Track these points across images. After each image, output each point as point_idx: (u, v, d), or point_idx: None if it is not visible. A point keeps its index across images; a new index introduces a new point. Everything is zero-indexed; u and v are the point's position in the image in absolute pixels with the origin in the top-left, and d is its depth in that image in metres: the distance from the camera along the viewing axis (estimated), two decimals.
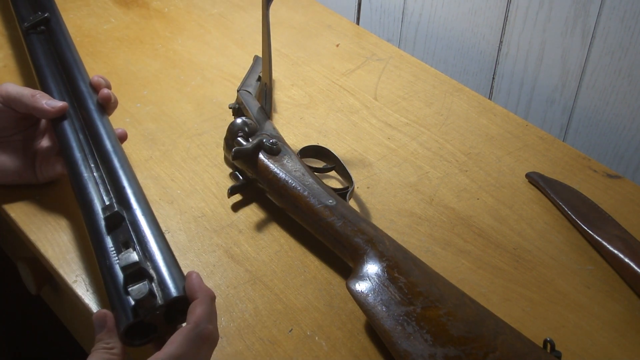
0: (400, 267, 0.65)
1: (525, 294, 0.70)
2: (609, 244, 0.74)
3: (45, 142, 0.77)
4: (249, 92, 0.88)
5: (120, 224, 0.62)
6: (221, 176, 0.82)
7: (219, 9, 1.13)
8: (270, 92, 0.85)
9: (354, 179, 0.78)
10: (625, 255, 0.72)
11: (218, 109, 0.92)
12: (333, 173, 0.82)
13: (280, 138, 0.80)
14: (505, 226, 0.78)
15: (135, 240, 0.61)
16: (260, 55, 0.90)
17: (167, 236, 0.70)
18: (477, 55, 1.10)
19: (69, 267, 0.70)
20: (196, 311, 0.55)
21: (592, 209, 0.79)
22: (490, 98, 1.11)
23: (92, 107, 0.75)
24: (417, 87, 0.99)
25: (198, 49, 1.04)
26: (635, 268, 0.71)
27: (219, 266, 0.71)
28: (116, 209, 0.62)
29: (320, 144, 0.84)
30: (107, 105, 0.76)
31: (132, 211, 0.63)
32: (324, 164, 0.82)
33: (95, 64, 0.98)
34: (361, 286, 0.64)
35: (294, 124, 0.91)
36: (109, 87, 0.78)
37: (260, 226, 0.76)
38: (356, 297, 0.63)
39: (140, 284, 0.56)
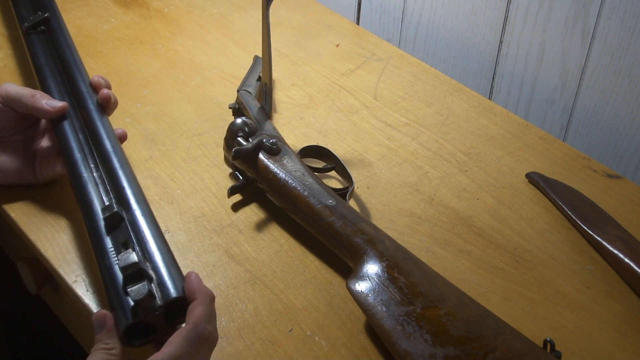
0: (400, 267, 0.65)
1: (525, 294, 0.70)
2: (609, 244, 0.74)
3: (45, 142, 0.77)
4: (249, 92, 0.88)
5: (120, 224, 0.62)
6: (221, 176, 0.82)
7: (219, 9, 1.13)
8: (270, 92, 0.85)
9: (354, 179, 0.78)
10: (625, 255, 0.72)
11: (218, 109, 0.92)
12: (333, 173, 0.82)
13: (280, 138, 0.80)
14: (505, 226, 0.78)
15: (134, 240, 0.61)
16: (260, 55, 0.90)
17: (167, 236, 0.70)
18: (477, 55, 1.10)
19: (69, 267, 0.70)
20: (195, 312, 0.55)
21: (592, 209, 0.79)
22: (490, 98, 1.11)
23: (92, 107, 0.75)
24: (417, 87, 0.99)
25: (198, 49, 1.04)
26: (635, 268, 0.71)
27: (219, 266, 0.71)
28: (116, 209, 0.62)
29: (320, 144, 0.84)
30: (107, 106, 0.76)
31: (131, 211, 0.63)
32: (324, 164, 0.82)
33: (95, 64, 0.98)
34: (361, 286, 0.64)
35: (294, 124, 0.91)
36: (109, 87, 0.78)
37: (260, 226, 0.76)
38: (356, 297, 0.63)
39: (140, 284, 0.56)
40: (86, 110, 0.74)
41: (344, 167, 0.80)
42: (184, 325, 0.56)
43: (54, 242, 0.72)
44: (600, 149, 1.00)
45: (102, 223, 0.62)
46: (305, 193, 0.72)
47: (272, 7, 0.80)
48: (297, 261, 0.72)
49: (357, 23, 1.25)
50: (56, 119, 0.73)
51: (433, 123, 0.92)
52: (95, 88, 0.77)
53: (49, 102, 0.73)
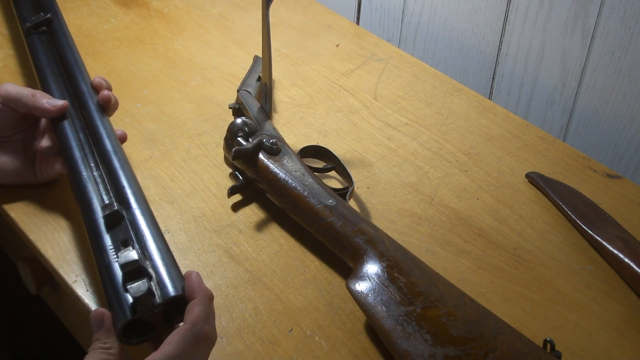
0: (400, 267, 0.65)
1: (525, 294, 0.70)
2: (609, 244, 0.74)
3: (45, 142, 0.77)
4: (249, 92, 0.88)
5: (120, 222, 0.62)
6: (221, 176, 0.82)
7: (219, 9, 1.13)
8: (270, 92, 0.85)
9: (354, 179, 0.78)
10: (625, 255, 0.72)
11: (218, 109, 0.92)
12: (333, 173, 0.82)
13: (280, 138, 0.80)
14: (505, 226, 0.78)
15: (134, 239, 0.61)
16: (260, 55, 0.90)
17: (167, 236, 0.70)
18: (477, 55, 1.10)
19: (69, 267, 0.70)
20: (194, 311, 0.55)
21: (592, 209, 0.79)
22: (490, 98, 1.11)
23: (93, 107, 0.75)
24: (417, 87, 0.99)
25: (198, 49, 1.04)
26: (635, 268, 0.71)
27: (219, 266, 0.71)
28: (116, 208, 0.62)
29: (320, 144, 0.84)
30: (107, 107, 0.76)
31: (131, 210, 0.63)
32: (324, 164, 0.82)
33: (95, 64, 0.98)
34: (361, 286, 0.64)
35: (294, 124, 0.91)
36: (109, 88, 0.78)
37: (260, 226, 0.76)
38: (356, 297, 0.63)
39: (140, 281, 0.56)
40: (87, 111, 0.74)
41: (344, 167, 0.80)
42: (182, 324, 0.56)
43: (54, 242, 0.72)
44: (600, 149, 1.00)
45: (101, 221, 0.62)
46: (305, 193, 0.72)
47: (272, 7, 0.80)
48: (297, 261, 0.72)
49: (357, 23, 1.25)
50: (56, 119, 0.74)
51: (433, 123, 0.92)
52: (96, 89, 0.77)
53: (50, 101, 0.73)
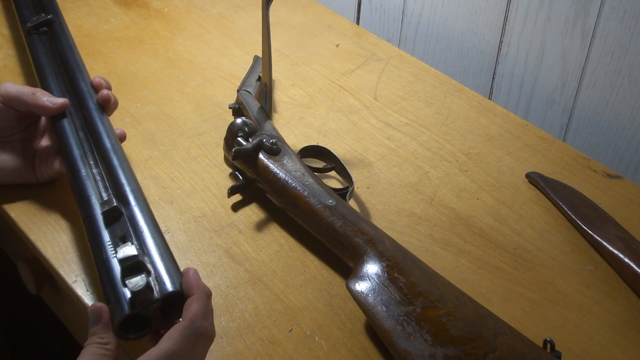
0: (400, 267, 0.65)
1: (525, 294, 0.70)
2: (609, 244, 0.74)
3: (44, 142, 0.77)
4: (249, 92, 0.88)
5: (119, 218, 0.62)
6: (221, 176, 0.82)
7: (219, 9, 1.13)
8: (270, 92, 0.85)
9: (354, 179, 0.78)
10: (625, 255, 0.72)
11: (218, 109, 0.92)
12: (333, 173, 0.82)
13: (280, 138, 0.80)
14: (505, 226, 0.78)
15: (132, 235, 0.61)
16: (260, 55, 0.90)
17: (167, 236, 0.70)
18: (477, 55, 1.10)
19: (69, 267, 0.70)
20: (192, 308, 0.55)
21: (592, 209, 0.79)
22: (490, 98, 1.11)
23: (92, 106, 0.75)
24: (417, 87, 0.99)
25: (198, 49, 1.04)
26: (635, 268, 0.71)
27: (219, 266, 0.71)
28: (115, 204, 0.63)
29: (320, 144, 0.84)
30: (106, 106, 0.76)
31: (130, 207, 0.63)
32: (324, 164, 0.82)
33: (95, 64, 0.98)
34: (361, 286, 0.64)
35: (294, 124, 0.91)
36: (109, 88, 0.78)
37: (260, 226, 0.76)
38: (356, 297, 0.63)
39: (138, 276, 0.56)
40: (86, 109, 0.74)
41: (344, 167, 0.80)
42: (180, 320, 0.55)
43: (54, 242, 0.72)
44: (600, 149, 1.00)
45: (100, 217, 0.62)
46: (305, 193, 0.72)
47: (272, 7, 0.80)
48: (297, 261, 0.72)
49: (357, 23, 1.25)
50: (56, 117, 0.74)
51: (433, 123, 0.92)
52: (95, 88, 0.77)
53: (50, 99, 0.73)
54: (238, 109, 0.88)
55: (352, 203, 0.79)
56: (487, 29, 1.06)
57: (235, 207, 0.78)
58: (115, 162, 0.68)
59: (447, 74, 1.04)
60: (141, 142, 0.86)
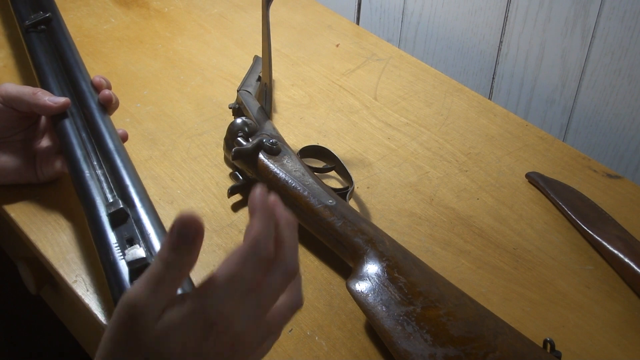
0: (400, 267, 0.65)
1: (525, 294, 0.70)
2: (609, 244, 0.74)
3: (45, 142, 0.77)
4: (249, 92, 0.88)
5: (125, 220, 0.62)
6: (221, 176, 0.82)
7: (219, 9, 1.13)
8: (270, 92, 0.85)
9: (354, 179, 0.78)
10: (625, 255, 0.72)
11: (218, 109, 0.92)
12: (333, 173, 0.82)
13: (280, 138, 0.80)
14: (505, 226, 0.78)
15: (140, 237, 0.61)
16: (260, 55, 0.90)
17: None
18: (477, 55, 1.10)
19: (69, 267, 0.70)
20: (253, 228, 0.46)
21: (592, 209, 0.79)
22: (490, 98, 1.11)
23: (94, 106, 0.75)
24: (417, 87, 0.99)
25: (198, 49, 1.04)
26: (635, 268, 0.71)
27: None
28: (121, 206, 0.62)
29: (320, 144, 0.84)
30: (108, 106, 0.76)
31: (136, 209, 0.63)
32: (324, 164, 0.82)
33: (95, 64, 0.98)
34: (361, 286, 0.64)
35: (294, 124, 0.91)
36: (109, 88, 0.78)
37: None
38: (356, 297, 0.63)
39: None
40: (88, 109, 0.74)
41: (344, 167, 0.80)
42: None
43: (54, 242, 0.72)
44: (600, 149, 1.00)
45: (106, 218, 0.62)
46: (305, 193, 0.72)
47: (272, 7, 0.80)
48: None
49: (357, 23, 1.25)
50: (57, 117, 0.73)
51: (433, 123, 0.92)
52: (96, 88, 0.77)
53: (52, 98, 0.73)
54: (238, 109, 0.88)
55: (352, 203, 0.79)
56: (487, 29, 1.06)
57: (235, 207, 0.78)
58: (119, 163, 0.68)
59: (447, 74, 1.04)
60: (141, 142, 0.86)
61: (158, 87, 0.95)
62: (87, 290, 0.68)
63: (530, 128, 0.92)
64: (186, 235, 0.46)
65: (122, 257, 0.59)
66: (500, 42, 1.06)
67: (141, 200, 0.64)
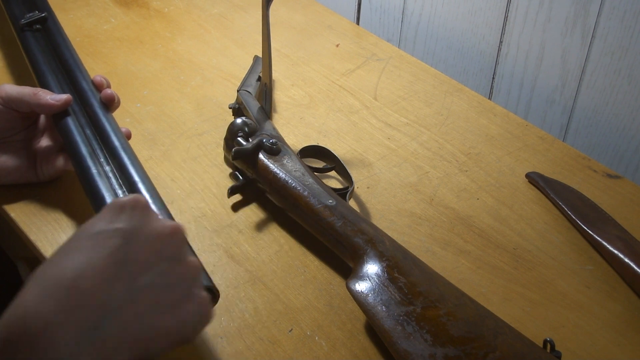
0: (400, 267, 0.65)
1: (525, 294, 0.70)
2: (609, 244, 0.74)
3: (45, 141, 0.77)
4: (249, 92, 0.88)
5: None
6: (221, 176, 0.82)
7: (219, 9, 1.14)
8: (270, 92, 0.85)
9: (354, 179, 0.78)
10: (625, 255, 0.72)
11: (218, 109, 0.92)
12: (333, 173, 0.82)
13: (280, 138, 0.80)
14: (505, 226, 0.78)
15: None
16: (260, 55, 0.90)
17: None
18: (477, 55, 1.10)
19: None
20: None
21: (592, 209, 0.79)
22: (490, 98, 1.11)
23: (96, 104, 0.75)
24: (417, 87, 0.99)
25: (198, 49, 1.04)
26: (635, 268, 0.71)
27: (219, 266, 0.71)
28: None
29: (320, 144, 0.84)
30: (110, 105, 0.76)
31: None
32: (324, 164, 0.82)
33: (95, 64, 0.98)
34: (361, 286, 0.64)
35: (294, 124, 0.91)
36: (109, 87, 0.78)
37: (260, 226, 0.76)
38: (356, 297, 0.63)
39: None
40: (91, 108, 0.74)
41: (344, 167, 0.80)
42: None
43: (54, 242, 0.72)
44: (600, 149, 1.00)
45: None
46: (305, 193, 0.72)
47: (272, 7, 0.80)
48: (297, 261, 0.72)
49: (357, 23, 1.25)
50: (59, 116, 0.73)
51: (433, 123, 0.92)
52: (97, 87, 0.77)
53: (53, 97, 0.73)
54: (238, 109, 0.88)
55: (352, 203, 0.79)
56: (487, 29, 1.06)
57: (235, 207, 0.78)
58: (127, 160, 0.68)
59: (447, 74, 1.04)
60: (141, 142, 0.86)
61: (158, 87, 0.95)
62: None
63: (530, 128, 0.92)
64: None
65: None
66: (500, 42, 1.06)
67: (152, 196, 0.65)
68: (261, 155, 0.77)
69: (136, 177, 0.67)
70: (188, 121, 0.90)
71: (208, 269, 0.70)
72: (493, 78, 1.09)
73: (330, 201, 0.71)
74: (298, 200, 0.72)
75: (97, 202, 0.65)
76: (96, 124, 0.73)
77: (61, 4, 1.11)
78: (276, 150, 0.77)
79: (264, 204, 0.78)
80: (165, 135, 0.87)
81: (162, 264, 0.48)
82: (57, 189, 0.77)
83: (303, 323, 0.66)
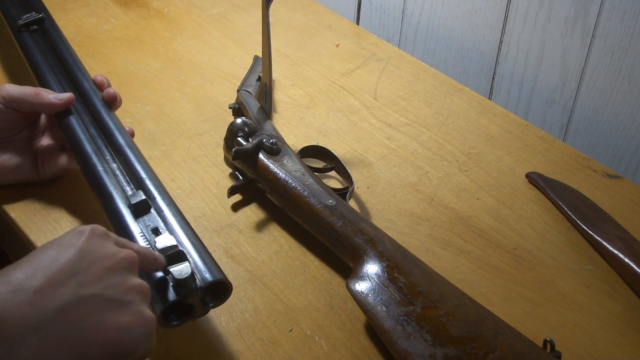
0: (400, 267, 0.65)
1: (525, 294, 0.70)
2: (609, 244, 0.74)
3: (46, 140, 0.77)
4: (249, 92, 0.88)
5: (148, 211, 0.63)
6: (221, 176, 0.82)
7: (219, 9, 1.14)
8: (270, 92, 0.85)
9: (354, 179, 0.78)
10: (625, 255, 0.72)
11: (218, 109, 0.92)
12: (333, 173, 0.82)
13: (280, 138, 0.80)
14: (505, 226, 0.78)
15: (164, 227, 0.61)
16: (260, 55, 0.90)
17: None
18: (477, 55, 1.10)
19: None
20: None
21: (592, 209, 0.79)
22: (490, 98, 1.11)
23: (99, 103, 0.75)
24: (417, 87, 0.99)
25: (198, 49, 1.04)
26: (635, 268, 0.71)
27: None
28: (144, 197, 0.63)
29: (320, 144, 0.84)
30: (112, 104, 0.76)
31: (156, 201, 0.64)
32: (324, 164, 0.82)
33: (95, 64, 0.98)
34: (361, 286, 0.64)
35: (294, 124, 0.91)
36: (110, 86, 0.78)
37: (260, 226, 0.76)
38: (356, 297, 0.63)
39: (182, 264, 0.57)
40: (94, 107, 0.75)
41: (344, 167, 0.80)
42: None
43: None
44: (600, 149, 1.00)
45: (127, 210, 0.63)
46: (305, 193, 0.72)
47: (272, 7, 0.80)
48: (297, 261, 0.72)
49: (357, 23, 1.25)
50: (62, 115, 0.74)
51: (433, 123, 0.92)
52: (98, 86, 0.77)
53: (55, 96, 0.73)
54: (238, 109, 0.88)
55: (352, 203, 0.79)
56: (487, 29, 1.06)
57: (235, 207, 0.78)
58: (133, 157, 0.69)
59: (447, 74, 1.04)
60: (141, 142, 0.86)
61: (158, 87, 0.95)
62: None
63: (530, 128, 0.92)
64: None
65: (148, 246, 0.60)
66: (500, 42, 1.06)
67: (160, 193, 0.65)
68: (261, 155, 0.77)
69: (143, 174, 0.67)
70: (188, 121, 0.90)
71: None
72: (493, 78, 1.09)
73: (330, 201, 0.71)
74: (298, 200, 0.72)
75: (105, 199, 0.65)
76: (100, 122, 0.73)
77: (61, 4, 1.11)
78: (276, 150, 0.77)
79: (264, 204, 0.78)
80: (165, 135, 0.87)
81: (110, 280, 0.51)
82: (57, 189, 0.77)
83: (303, 323, 0.66)
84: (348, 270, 0.67)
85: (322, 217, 0.70)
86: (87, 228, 0.52)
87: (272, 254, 0.73)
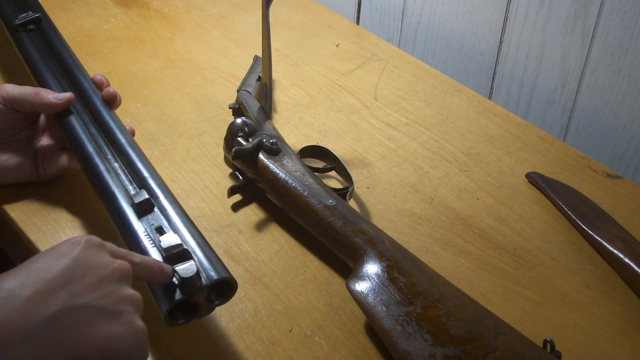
0: (400, 267, 0.65)
1: (525, 294, 0.70)
2: (609, 244, 0.74)
3: (46, 140, 0.77)
4: (249, 92, 0.88)
5: (152, 210, 0.63)
6: (221, 176, 0.82)
7: (219, 9, 1.14)
8: (270, 92, 0.85)
9: (354, 179, 0.78)
10: (625, 255, 0.72)
11: (218, 109, 0.92)
12: (333, 173, 0.82)
13: (280, 138, 0.80)
14: (505, 226, 0.78)
15: (168, 226, 0.61)
16: (260, 55, 0.90)
17: None
18: (477, 55, 1.10)
19: None
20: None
21: (592, 209, 0.79)
22: (490, 98, 1.11)
23: (99, 102, 0.75)
24: (417, 87, 0.99)
25: (198, 49, 1.04)
26: (635, 268, 0.71)
27: None
28: (147, 196, 0.63)
29: (320, 144, 0.84)
30: (113, 103, 0.76)
31: (159, 200, 0.64)
32: (324, 164, 0.82)
33: (95, 64, 0.98)
34: (361, 286, 0.64)
35: (294, 124, 0.91)
36: (109, 86, 0.78)
37: (260, 226, 0.76)
38: (356, 297, 0.63)
39: (188, 263, 0.57)
40: (94, 106, 0.74)
41: (344, 167, 0.80)
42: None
43: (54, 242, 0.72)
44: (600, 149, 1.00)
45: (130, 209, 0.63)
46: (305, 193, 0.72)
47: (272, 7, 0.80)
48: (297, 261, 0.72)
49: (357, 23, 1.25)
50: (62, 114, 0.74)
51: (433, 123, 0.92)
52: (98, 86, 0.77)
53: (55, 96, 0.73)
54: (238, 109, 0.88)
55: (352, 203, 0.79)
56: (487, 29, 1.06)
57: (235, 207, 0.78)
58: (135, 157, 0.69)
59: (447, 74, 1.04)
60: (141, 142, 0.85)
61: (158, 87, 0.95)
62: None
63: (530, 128, 0.92)
64: None
65: (153, 245, 0.60)
66: (500, 42, 1.06)
67: (163, 191, 0.65)
68: (261, 155, 0.77)
69: (146, 173, 0.67)
70: (188, 121, 0.90)
71: None
72: (493, 78, 1.09)
73: (330, 201, 0.71)
74: (298, 200, 0.72)
75: (108, 199, 0.65)
76: (100, 121, 0.73)
77: (61, 3, 1.11)
78: (276, 150, 0.77)
79: (264, 204, 0.78)
80: (165, 135, 0.87)
81: (103, 290, 0.51)
82: (57, 189, 0.77)
83: (303, 323, 0.66)
84: (348, 270, 0.67)
85: (322, 217, 0.70)
86: (83, 238, 0.53)
87: (272, 254, 0.73)
